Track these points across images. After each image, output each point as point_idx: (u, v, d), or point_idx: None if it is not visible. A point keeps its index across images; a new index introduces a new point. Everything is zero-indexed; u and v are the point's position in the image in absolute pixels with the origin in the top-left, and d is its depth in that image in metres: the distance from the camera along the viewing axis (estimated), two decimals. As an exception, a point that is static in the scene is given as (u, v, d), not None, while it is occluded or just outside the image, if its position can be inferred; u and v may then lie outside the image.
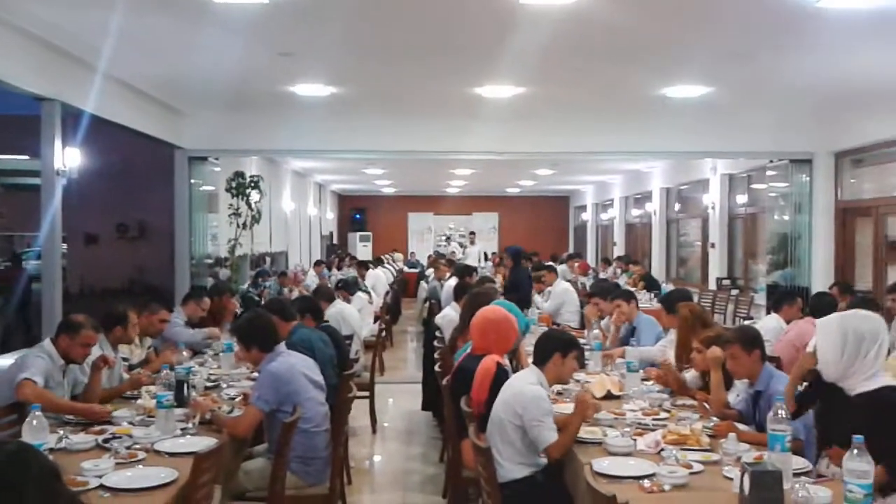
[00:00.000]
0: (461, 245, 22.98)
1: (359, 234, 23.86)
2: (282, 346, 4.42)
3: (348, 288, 8.88)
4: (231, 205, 11.03)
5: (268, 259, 13.82)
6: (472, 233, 23.54)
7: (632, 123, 10.07)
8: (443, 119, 10.00)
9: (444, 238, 25.10)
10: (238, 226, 11.00)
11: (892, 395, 3.24)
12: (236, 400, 4.73)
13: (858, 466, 2.57)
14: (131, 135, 8.61)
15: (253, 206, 11.21)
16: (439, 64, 7.29)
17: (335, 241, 23.91)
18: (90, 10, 5.63)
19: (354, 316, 7.70)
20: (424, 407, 7.64)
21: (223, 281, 9.32)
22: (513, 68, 7.26)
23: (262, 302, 8.54)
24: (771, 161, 11.16)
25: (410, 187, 23.02)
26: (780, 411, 3.17)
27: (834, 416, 3.41)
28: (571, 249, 23.31)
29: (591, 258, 21.44)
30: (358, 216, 24.78)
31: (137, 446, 3.70)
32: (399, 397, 8.89)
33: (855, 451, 2.59)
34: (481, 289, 6.22)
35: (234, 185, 11.02)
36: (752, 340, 4.13)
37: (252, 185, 11.21)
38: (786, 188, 10.92)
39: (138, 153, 11.07)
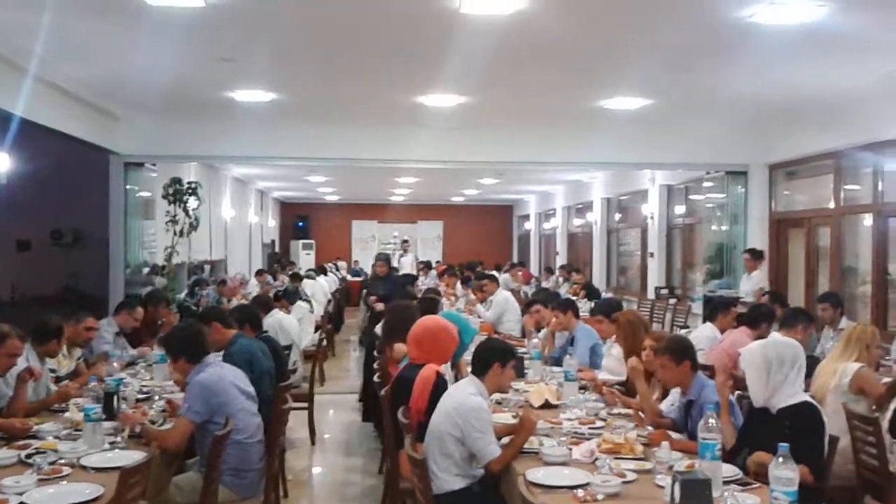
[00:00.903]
0: (398, 253, 22.75)
1: (302, 241, 23.59)
2: (211, 357, 4.33)
3: (288, 297, 8.76)
4: (168, 212, 10.80)
5: (206, 268, 13.57)
6: (406, 241, 23.31)
7: (573, 134, 10.21)
8: (387, 127, 9.98)
9: (387, 246, 24.93)
10: (175, 233, 10.78)
11: (811, 407, 3.55)
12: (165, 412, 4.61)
13: (784, 474, 2.62)
14: (65, 139, 8.37)
15: (191, 213, 10.99)
16: (382, 71, 7.27)
17: (277, 249, 23.61)
18: (19, 11, 5.46)
19: (293, 326, 7.59)
20: (365, 418, 7.57)
21: (158, 290, 9.11)
22: (455, 77, 7.28)
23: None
24: (708, 173, 11.42)
25: (354, 195, 22.88)
26: (710, 420, 3.22)
27: (759, 431, 3.58)
28: (515, 258, 23.45)
29: (534, 267, 21.61)
30: (301, 224, 24.52)
31: (62, 461, 3.58)
32: (340, 408, 8.80)
33: (780, 459, 2.65)
34: (401, 302, 6.22)
35: (171, 191, 10.78)
36: (681, 351, 4.20)
37: (190, 191, 10.99)
38: (722, 199, 11.18)
39: (73, 158, 10.76)
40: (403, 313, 5.60)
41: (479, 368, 4.03)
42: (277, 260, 20.19)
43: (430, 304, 6.72)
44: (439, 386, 4.08)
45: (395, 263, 19.12)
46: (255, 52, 6.60)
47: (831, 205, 9.33)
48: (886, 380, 5.34)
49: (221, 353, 4.97)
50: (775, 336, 5.88)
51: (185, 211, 10.90)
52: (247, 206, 18.31)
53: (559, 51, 6.43)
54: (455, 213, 25.33)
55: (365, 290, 12.57)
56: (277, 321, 7.32)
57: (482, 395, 3.92)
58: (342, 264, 21.37)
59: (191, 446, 4.22)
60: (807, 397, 3.61)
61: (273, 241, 23.16)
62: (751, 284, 9.51)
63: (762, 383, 3.58)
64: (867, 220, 8.81)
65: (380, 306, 8.94)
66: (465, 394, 3.89)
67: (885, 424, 4.38)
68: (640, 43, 6.18)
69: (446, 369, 4.89)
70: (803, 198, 10.54)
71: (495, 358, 4.02)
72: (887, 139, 8.03)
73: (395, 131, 10.04)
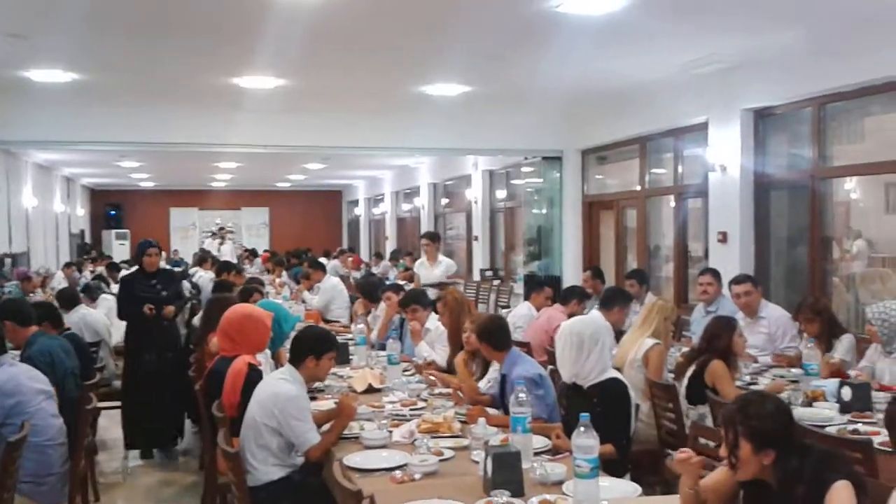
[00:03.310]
0: (216, 241, 21.91)
1: (114, 231, 22.23)
2: (5, 357, 3.98)
3: (89, 292, 8.18)
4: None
5: (7, 261, 12.47)
6: (223, 228, 22.52)
7: (398, 120, 10.23)
8: (203, 109, 9.56)
9: (208, 234, 23.96)
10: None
11: (618, 383, 3.75)
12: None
13: (585, 442, 2.75)
14: None
15: (-16, 202, 10.05)
16: (193, 50, 6.95)
17: (88, 239, 22.11)
18: None
19: (100, 321, 7.13)
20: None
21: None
22: (271, 59, 7.09)
23: None
24: (525, 158, 11.86)
25: (172, 181, 21.78)
26: (520, 395, 3.34)
27: (573, 406, 3.76)
28: (345, 244, 23.34)
29: (364, 253, 21.60)
30: (113, 212, 23.10)
31: None
32: (159, 404, 8.37)
33: (581, 428, 2.78)
34: (221, 294, 6.03)
35: (-40, 178, 9.81)
36: (487, 334, 4.38)
37: (-17, 178, 10.04)
38: (540, 184, 11.66)
39: None
40: (221, 305, 5.38)
41: (295, 359, 3.95)
42: (87, 251, 18.91)
43: (252, 293, 6.52)
44: (252, 378, 3.96)
45: (214, 253, 18.43)
46: (49, 27, 6.09)
47: (637, 187, 9.96)
48: (685, 349, 5.79)
49: (19, 352, 4.60)
50: (592, 314, 6.21)
51: (-22, 200, 9.94)
52: (51, 195, 16.99)
53: (373, 36, 6.41)
54: (281, 199, 24.80)
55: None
56: (82, 317, 6.85)
57: (299, 383, 3.85)
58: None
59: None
60: (614, 374, 3.80)
61: (83, 232, 21.66)
62: (441, 270, 9.05)
63: (570, 360, 3.74)
64: (670, 201, 9.48)
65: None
66: (280, 383, 3.80)
67: (682, 391, 4.73)
68: (453, 30, 6.26)
69: (267, 359, 4.78)
70: (613, 181, 11.18)
71: (309, 351, 3.95)
72: (686, 125, 8.66)
73: (212, 114, 9.64)
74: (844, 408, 4.22)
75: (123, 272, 11.43)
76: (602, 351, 3.75)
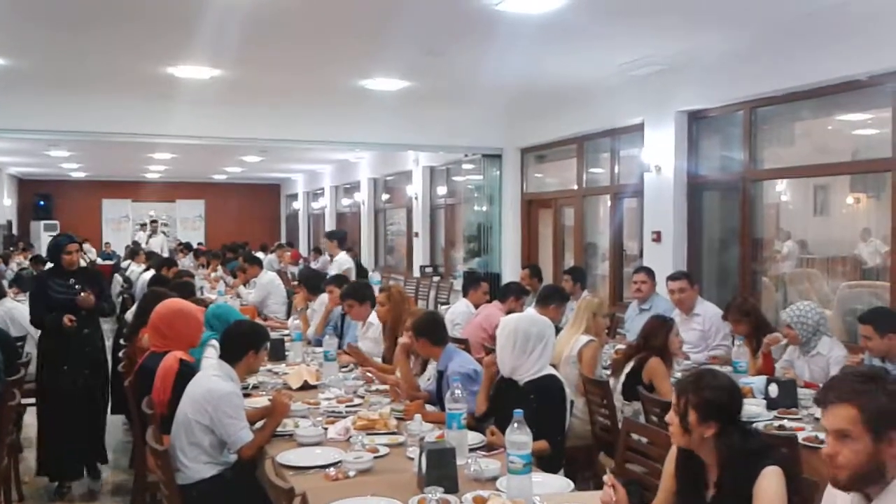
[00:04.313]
0: (150, 232, 21.32)
1: (43, 222, 21.49)
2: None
3: (20, 284, 7.91)
4: None
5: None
6: (154, 221, 21.95)
7: (338, 113, 10.15)
8: (135, 99, 9.30)
9: (139, 227, 23.34)
10: None
11: (554, 380, 3.79)
12: None
13: (518, 438, 2.77)
14: None
15: None
16: (125, 37, 6.75)
17: (14, 230, 21.34)
18: None
19: (27, 315, 6.89)
20: (115, 410, 7.06)
21: None
22: (206, 48, 6.95)
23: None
24: (466, 155, 11.89)
25: (104, 171, 21.16)
26: (455, 391, 3.34)
27: (508, 401, 3.73)
28: (284, 238, 23.06)
29: (303, 247, 21.38)
30: (42, 203, 22.34)
31: None
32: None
33: (515, 425, 2.80)
34: (156, 288, 5.88)
35: None
36: (423, 330, 4.40)
37: None
38: (480, 181, 11.70)
39: None
40: (154, 299, 5.25)
41: (232, 355, 3.88)
42: (14, 243, 18.27)
43: (183, 287, 6.37)
44: (183, 374, 3.88)
45: (144, 246, 17.98)
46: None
47: (575, 186, 10.08)
48: (620, 347, 5.89)
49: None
50: (529, 312, 6.26)
51: None
52: (-25, 184, 16.37)
53: (312, 28, 6.34)
54: (218, 192, 24.33)
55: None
56: (7, 311, 6.62)
57: (233, 379, 3.78)
58: (90, 247, 19.74)
59: None
60: (551, 371, 3.85)
61: (9, 222, 20.90)
62: (335, 268, 9.35)
63: (512, 355, 3.77)
64: (607, 200, 9.62)
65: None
66: (214, 379, 3.73)
67: (619, 387, 4.80)
68: (393, 25, 6.23)
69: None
70: (552, 180, 11.30)
71: (249, 345, 3.89)
72: (622, 126, 8.80)
73: (145, 104, 9.38)
74: (772, 404, 4.35)
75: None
76: (545, 349, 3.80)
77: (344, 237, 9.83)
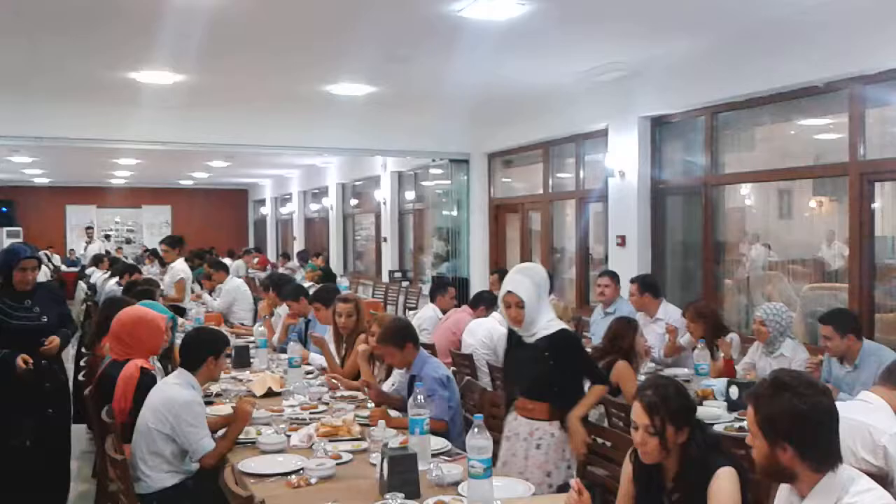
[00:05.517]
0: (87, 239, 20.94)
1: (6, 229, 21.12)
2: None
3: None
4: None
5: None
6: (90, 228, 21.58)
7: (304, 118, 10.10)
8: (98, 104, 9.18)
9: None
10: None
11: (566, 334, 3.85)
12: None
13: (478, 443, 2.78)
14: None
15: None
16: (86, 42, 6.67)
17: (-26, 238, 20.95)
18: None
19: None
20: (77, 419, 6.95)
21: None
22: (170, 54, 6.88)
23: None
24: (433, 160, 11.90)
25: (68, 178, 20.84)
26: (419, 397, 3.35)
27: (521, 362, 3.88)
28: (251, 244, 22.89)
29: (271, 253, 21.24)
30: (5, 209, 21.97)
31: None
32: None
33: (475, 429, 2.81)
34: (117, 296, 5.82)
35: None
36: (400, 337, 4.35)
37: None
38: (448, 186, 11.73)
39: None
40: (114, 307, 5.19)
41: (193, 362, 3.85)
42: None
43: (146, 295, 6.30)
44: (145, 383, 3.84)
45: (80, 252, 17.62)
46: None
47: (542, 191, 10.14)
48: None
49: None
50: (496, 315, 6.29)
51: None
52: (-66, 190, 16.03)
53: (275, 33, 6.32)
54: (184, 197, 24.08)
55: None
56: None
57: (193, 387, 3.75)
58: (54, 255, 19.44)
59: None
60: (563, 324, 3.90)
61: (-29, 230, 20.53)
62: (170, 276, 9.04)
63: (534, 300, 3.78)
64: (572, 205, 9.69)
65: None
66: (174, 388, 3.70)
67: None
68: (357, 30, 6.23)
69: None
70: (519, 185, 11.35)
71: (209, 352, 3.88)
72: (587, 131, 8.88)
73: (108, 109, 9.25)
74: (732, 406, 4.42)
75: None
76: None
77: (181, 243, 9.38)
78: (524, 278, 3.80)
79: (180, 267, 8.99)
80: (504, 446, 3.83)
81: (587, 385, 3.92)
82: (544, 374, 3.74)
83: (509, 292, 3.78)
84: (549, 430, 3.72)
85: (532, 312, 3.75)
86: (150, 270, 13.92)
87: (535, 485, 3.30)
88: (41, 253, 17.75)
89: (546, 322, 3.77)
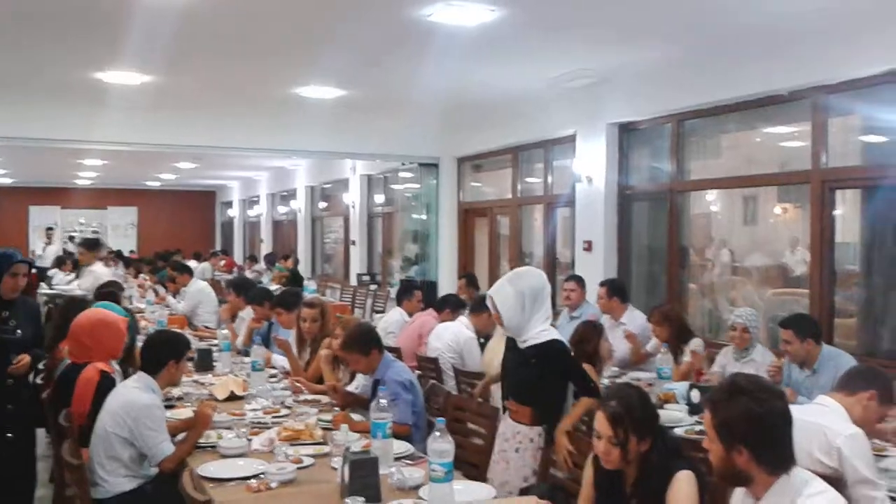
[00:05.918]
0: (46, 240, 20.57)
1: (-33, 230, 20.75)
2: None
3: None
4: None
5: None
6: (50, 228, 21.22)
7: (273, 121, 10.04)
8: (63, 104, 9.04)
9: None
10: None
11: (557, 344, 3.82)
12: None
13: (440, 447, 2.78)
14: None
15: None
16: (51, 41, 6.56)
17: (-64, 238, 20.51)
18: None
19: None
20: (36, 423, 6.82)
21: None
22: (135, 55, 6.79)
23: None
24: (403, 164, 11.89)
25: (31, 178, 20.45)
26: (381, 400, 3.34)
27: (512, 365, 3.90)
28: (218, 246, 22.67)
29: (238, 255, 21.06)
30: (-34, 210, 21.55)
31: None
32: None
33: (437, 433, 2.81)
34: (75, 297, 5.74)
35: None
36: (364, 343, 4.35)
37: None
38: (417, 190, 11.72)
39: None
40: (74, 309, 5.11)
41: (153, 366, 3.81)
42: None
43: (109, 297, 6.21)
44: (104, 386, 3.79)
45: (39, 253, 17.30)
46: None
47: (510, 196, 10.18)
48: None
49: None
50: (462, 319, 6.31)
51: None
52: None
53: (244, 35, 6.27)
54: (151, 199, 23.78)
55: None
56: None
57: (154, 391, 3.71)
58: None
59: None
60: (555, 335, 3.84)
61: (-70, 231, 20.10)
62: (89, 281, 8.84)
63: (518, 312, 3.76)
64: (540, 210, 9.74)
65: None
66: (133, 391, 3.65)
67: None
68: (326, 34, 6.20)
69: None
70: (488, 189, 11.38)
71: (170, 356, 3.83)
72: (556, 137, 8.93)
73: (73, 109, 9.12)
74: (693, 409, 4.45)
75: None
76: (546, 301, 3.83)
77: (98, 245, 9.04)
78: (507, 286, 3.82)
79: (101, 270, 8.77)
80: (496, 444, 3.88)
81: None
82: (529, 380, 3.76)
83: (489, 296, 3.82)
84: (529, 436, 3.73)
85: (514, 319, 3.76)
86: (115, 273, 13.71)
87: (515, 489, 3.31)
88: None
89: (537, 332, 3.76)
